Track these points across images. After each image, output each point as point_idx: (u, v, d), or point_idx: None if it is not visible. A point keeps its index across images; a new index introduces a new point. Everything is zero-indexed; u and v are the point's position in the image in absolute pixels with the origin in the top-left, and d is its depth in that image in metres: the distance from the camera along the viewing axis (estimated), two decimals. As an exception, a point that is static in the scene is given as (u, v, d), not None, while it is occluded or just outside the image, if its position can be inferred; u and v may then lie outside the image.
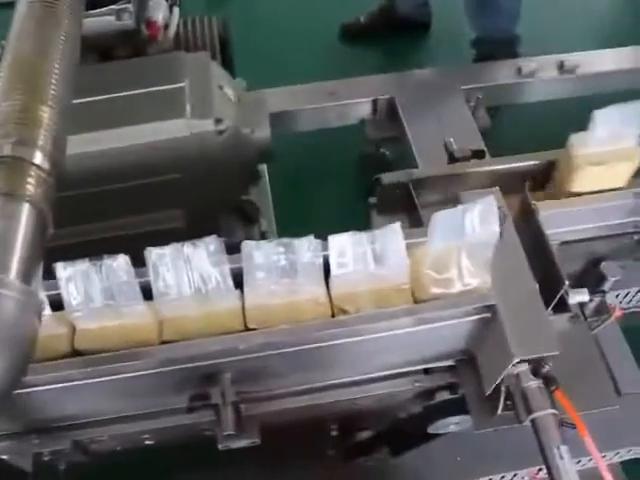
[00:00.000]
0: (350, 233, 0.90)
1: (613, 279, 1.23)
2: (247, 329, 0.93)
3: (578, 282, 1.20)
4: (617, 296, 1.44)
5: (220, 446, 1.03)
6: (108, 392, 0.94)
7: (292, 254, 0.89)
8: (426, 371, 1.07)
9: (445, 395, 1.07)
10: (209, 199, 1.29)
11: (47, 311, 0.89)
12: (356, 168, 2.21)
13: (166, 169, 1.21)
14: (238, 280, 0.91)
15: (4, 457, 1.02)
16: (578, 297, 1.09)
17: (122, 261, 0.86)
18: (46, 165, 0.79)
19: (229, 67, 1.54)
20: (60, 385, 0.90)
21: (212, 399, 0.91)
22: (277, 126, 1.62)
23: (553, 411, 0.92)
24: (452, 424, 1.09)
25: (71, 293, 0.88)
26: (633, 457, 1.36)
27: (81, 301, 0.88)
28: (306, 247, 0.89)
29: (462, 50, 2.40)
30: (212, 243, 0.87)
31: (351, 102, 1.88)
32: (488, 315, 0.95)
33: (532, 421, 0.93)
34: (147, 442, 1.10)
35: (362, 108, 1.89)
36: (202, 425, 1.02)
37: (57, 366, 0.88)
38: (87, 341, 0.92)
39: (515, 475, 1.33)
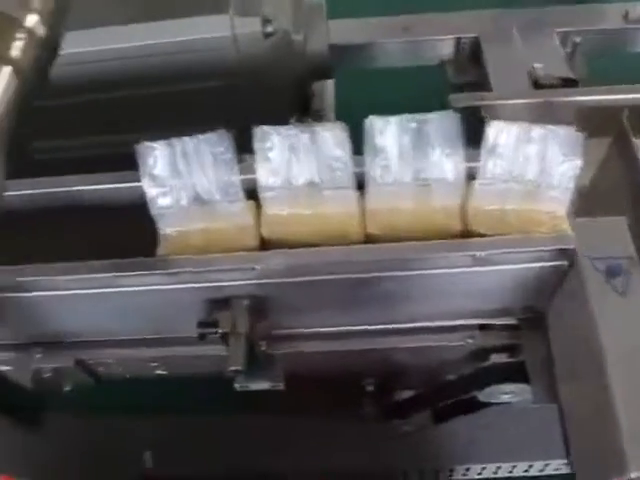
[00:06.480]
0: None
1: None
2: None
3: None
4: None
5: (237, 386, 0.91)
6: (109, 307, 0.83)
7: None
8: (482, 327, 0.91)
9: (502, 358, 0.90)
10: (250, 117, 1.14)
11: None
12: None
13: (201, 75, 1.06)
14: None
15: (4, 369, 0.94)
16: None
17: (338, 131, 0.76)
18: (41, 31, 0.66)
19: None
20: (53, 293, 0.79)
21: (220, 326, 0.78)
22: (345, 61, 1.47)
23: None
24: (506, 393, 0.92)
25: (266, 168, 0.78)
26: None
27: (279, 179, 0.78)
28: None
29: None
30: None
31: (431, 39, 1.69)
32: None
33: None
34: (158, 372, 0.99)
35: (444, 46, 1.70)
36: (214, 359, 0.89)
37: (51, 269, 0.77)
38: (276, 229, 0.80)
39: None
